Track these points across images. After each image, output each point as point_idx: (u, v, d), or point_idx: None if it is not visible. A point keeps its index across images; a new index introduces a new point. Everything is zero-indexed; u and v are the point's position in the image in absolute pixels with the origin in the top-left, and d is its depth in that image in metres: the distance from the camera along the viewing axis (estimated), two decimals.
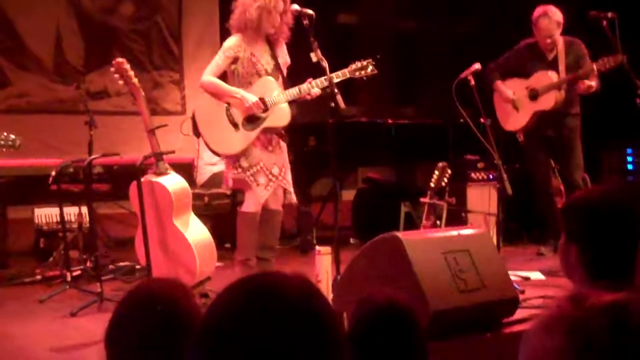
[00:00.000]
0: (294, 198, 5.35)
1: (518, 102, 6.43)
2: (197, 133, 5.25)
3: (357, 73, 5.07)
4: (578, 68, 6.25)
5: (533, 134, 6.46)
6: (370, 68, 5.10)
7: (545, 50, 6.38)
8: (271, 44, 5.17)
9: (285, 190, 5.27)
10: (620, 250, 2.08)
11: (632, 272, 2.05)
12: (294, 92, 5.09)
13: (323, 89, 5.01)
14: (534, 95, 6.35)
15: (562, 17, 6.23)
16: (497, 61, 6.54)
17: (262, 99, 5.06)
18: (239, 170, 5.11)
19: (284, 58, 5.26)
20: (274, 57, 5.18)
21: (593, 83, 6.11)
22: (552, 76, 6.29)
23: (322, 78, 4.96)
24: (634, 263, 2.05)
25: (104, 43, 8.17)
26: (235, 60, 5.08)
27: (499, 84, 6.51)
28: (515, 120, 6.48)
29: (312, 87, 5.04)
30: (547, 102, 6.30)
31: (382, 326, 2.42)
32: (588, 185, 6.41)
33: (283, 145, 5.25)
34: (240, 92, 5.05)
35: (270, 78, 5.13)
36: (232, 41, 5.12)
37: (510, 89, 6.50)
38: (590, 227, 2.13)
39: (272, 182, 5.14)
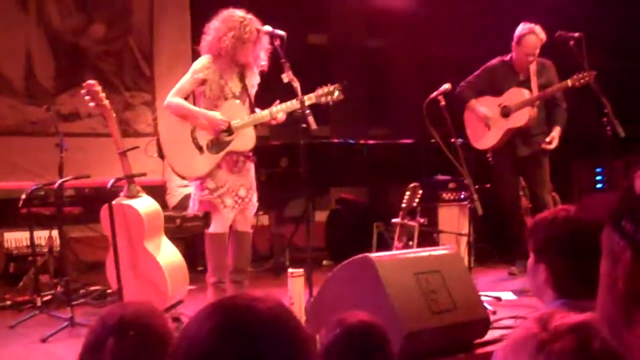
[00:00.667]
0: (257, 220, 5.33)
1: (490, 120, 6.45)
2: (162, 155, 5.22)
3: (323, 98, 5.03)
4: (548, 87, 6.32)
5: (503, 152, 6.48)
6: (336, 93, 5.06)
7: (519, 69, 6.42)
8: (242, 66, 5.16)
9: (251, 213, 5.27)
10: (588, 269, 2.10)
11: (597, 290, 2.08)
12: (259, 116, 5.09)
13: (290, 113, 5.02)
14: (506, 112, 6.36)
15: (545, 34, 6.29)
16: (469, 80, 6.56)
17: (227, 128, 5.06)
18: (206, 192, 5.07)
19: (254, 79, 5.23)
20: (243, 80, 5.16)
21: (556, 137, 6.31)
22: (524, 93, 6.33)
23: (289, 102, 4.96)
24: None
25: (75, 64, 8.14)
26: (203, 82, 5.06)
27: (473, 102, 6.52)
28: (486, 139, 6.49)
29: (279, 111, 5.04)
30: (520, 119, 6.32)
31: (354, 348, 2.42)
32: (557, 204, 6.47)
33: (250, 166, 5.21)
34: (205, 113, 5.03)
35: (237, 101, 5.10)
36: (201, 63, 5.09)
37: (482, 106, 6.51)
38: (558, 246, 2.16)
39: (237, 205, 5.11)
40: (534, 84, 6.36)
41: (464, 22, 8.35)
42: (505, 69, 6.48)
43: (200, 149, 5.07)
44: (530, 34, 6.27)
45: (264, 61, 5.14)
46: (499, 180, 6.62)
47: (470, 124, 6.56)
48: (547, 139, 6.31)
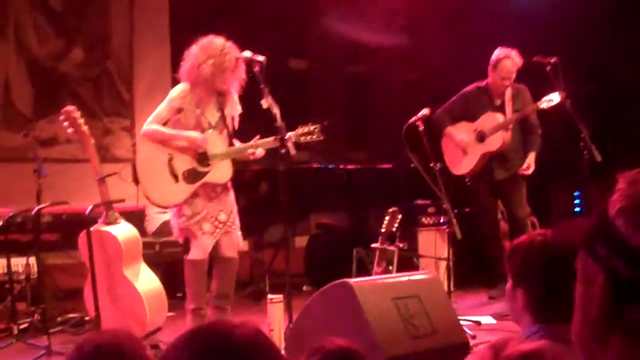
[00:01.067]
0: (240, 243, 5.31)
1: (466, 145, 6.49)
2: (136, 181, 5.19)
3: (302, 138, 5.00)
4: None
5: (480, 177, 6.52)
6: (316, 134, 5.03)
7: (495, 94, 6.48)
8: (221, 94, 5.14)
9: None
10: (565, 294, 2.11)
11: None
12: (238, 149, 5.10)
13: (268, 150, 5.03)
14: (481, 137, 6.41)
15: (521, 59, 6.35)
16: (445, 106, 6.60)
17: (204, 154, 5.05)
18: (183, 218, 5.05)
19: (234, 109, 5.22)
20: (221, 109, 5.15)
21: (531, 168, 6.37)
22: (498, 117, 6.38)
23: (269, 139, 4.94)
24: None
25: (53, 90, 8.11)
26: (179, 110, 5.04)
27: (449, 129, 6.56)
28: (464, 164, 6.53)
29: (257, 146, 5.05)
30: (495, 143, 6.38)
31: None
32: (536, 228, 6.49)
33: (229, 193, 5.19)
34: (183, 133, 5.02)
35: (214, 133, 5.09)
36: (177, 91, 5.08)
37: (458, 132, 6.55)
38: (535, 271, 2.16)
39: (218, 229, 5.08)
40: (508, 109, 6.41)
41: (443, 48, 8.41)
42: (481, 95, 6.53)
43: (175, 177, 5.04)
44: (506, 58, 6.34)
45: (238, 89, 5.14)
46: (478, 204, 6.68)
47: (448, 150, 6.61)
48: (524, 166, 6.37)
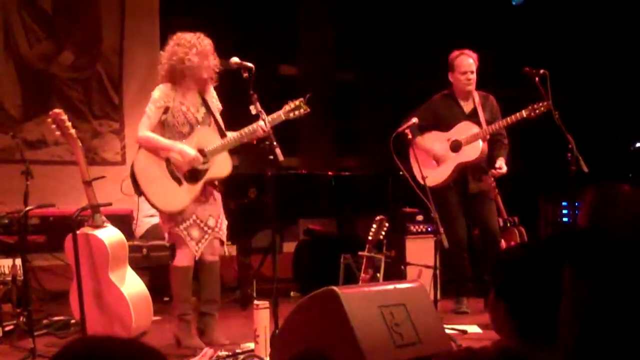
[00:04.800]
0: (226, 250, 5.32)
1: (439, 156, 6.29)
2: (138, 192, 5.12)
3: (291, 114, 4.99)
4: (493, 121, 6.23)
5: (452, 189, 6.30)
6: (302, 108, 5.03)
7: (461, 97, 6.32)
8: (202, 88, 5.13)
9: (221, 242, 5.21)
10: (547, 307, 2.11)
11: (557, 328, 2.09)
12: (233, 138, 5.05)
13: (259, 141, 4.99)
14: (456, 147, 6.24)
15: (477, 61, 6.26)
16: (411, 116, 6.20)
17: (201, 150, 5.03)
18: (172, 224, 5.04)
19: (215, 103, 5.21)
20: (205, 104, 5.13)
21: (504, 169, 6.15)
22: (473, 127, 6.21)
23: (260, 122, 4.90)
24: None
25: (42, 91, 8.10)
26: (165, 110, 5.02)
27: (419, 139, 6.29)
28: (436, 175, 6.24)
29: (251, 134, 4.98)
30: (471, 153, 6.20)
31: None
32: (524, 238, 6.51)
33: (217, 195, 5.18)
34: (177, 145, 4.99)
35: (205, 127, 5.08)
36: (160, 91, 5.05)
37: (430, 142, 6.33)
38: (516, 282, 2.17)
39: (207, 235, 5.06)
40: (481, 116, 6.25)
41: (433, 56, 8.45)
42: (448, 102, 6.38)
43: (178, 180, 5.03)
44: (461, 54, 6.26)
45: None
46: (446, 214, 6.08)
47: (418, 161, 6.04)
48: (497, 165, 6.13)
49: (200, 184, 5.03)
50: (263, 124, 4.88)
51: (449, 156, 6.27)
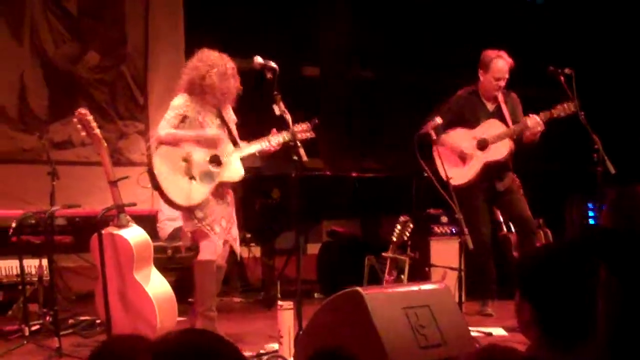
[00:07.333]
0: (237, 248, 5.41)
1: (468, 154, 6.21)
2: (155, 185, 5.20)
3: (298, 135, 5.04)
4: (515, 118, 6.17)
5: (479, 188, 6.23)
6: (309, 133, 5.23)
7: (487, 98, 6.25)
8: (217, 104, 5.27)
9: (231, 246, 5.34)
10: (572, 308, 2.10)
11: (583, 328, 2.08)
12: (248, 147, 5.24)
13: (284, 143, 5.10)
14: (483, 145, 6.17)
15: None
16: (435, 113, 6.08)
17: (215, 156, 5.17)
18: (195, 221, 5.14)
19: (230, 115, 5.37)
20: (220, 116, 5.28)
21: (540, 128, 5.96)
22: (502, 125, 6.14)
23: (272, 139, 5.17)
24: (586, 320, 2.07)
25: (68, 93, 8.16)
26: (183, 118, 5.16)
27: (444, 137, 6.20)
28: (462, 174, 6.16)
29: (264, 146, 5.21)
30: (499, 152, 6.14)
31: None
32: (549, 239, 6.45)
33: (231, 200, 5.32)
34: (201, 132, 5.14)
35: (222, 133, 5.22)
36: (179, 101, 5.20)
37: (456, 139, 6.24)
38: (542, 284, 2.16)
39: (223, 234, 5.21)
40: (506, 115, 6.18)
41: (458, 56, 8.42)
42: (473, 100, 6.29)
43: (192, 178, 5.13)
44: (498, 58, 6.14)
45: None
46: (471, 213, 5.97)
47: (443, 159, 5.95)
48: (530, 124, 5.94)
49: (212, 186, 5.15)
50: (275, 142, 5.18)
51: (476, 154, 6.19)
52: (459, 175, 6.09)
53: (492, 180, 6.24)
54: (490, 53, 6.20)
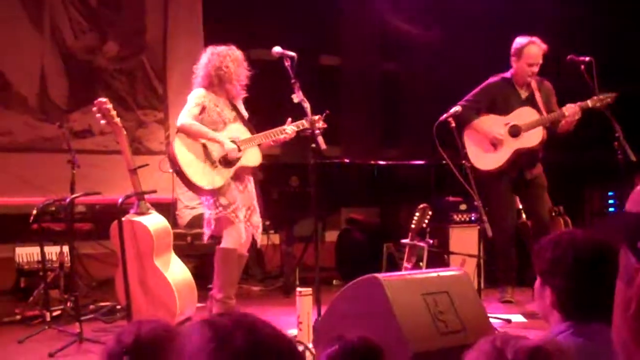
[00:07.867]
0: (258, 237, 5.49)
1: (500, 140, 6.17)
2: (177, 170, 5.24)
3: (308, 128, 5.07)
4: (548, 106, 6.16)
5: (507, 174, 6.21)
6: (320, 123, 5.24)
7: (520, 85, 6.22)
8: (230, 96, 5.43)
9: (253, 235, 5.41)
10: (593, 292, 2.10)
11: (604, 313, 2.07)
12: (264, 133, 5.38)
13: (302, 131, 5.17)
14: (515, 132, 6.13)
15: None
16: (467, 98, 6.22)
17: (232, 141, 5.31)
18: (220, 209, 5.21)
19: (242, 108, 5.52)
20: (235, 109, 5.44)
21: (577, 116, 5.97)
22: (535, 113, 6.11)
23: (295, 123, 5.33)
24: (607, 304, 2.07)
25: (88, 82, 8.19)
26: (203, 109, 5.29)
27: (475, 123, 6.21)
28: (492, 159, 6.18)
29: (280, 134, 5.36)
30: (532, 140, 6.10)
31: None
32: (569, 227, 6.41)
33: (251, 188, 5.45)
34: (219, 137, 5.27)
35: (237, 124, 5.40)
36: (198, 92, 5.35)
37: (488, 125, 6.22)
38: (562, 269, 2.15)
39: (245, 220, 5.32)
40: (539, 103, 6.15)
41: (476, 46, 8.37)
42: (507, 86, 6.26)
43: (213, 163, 5.25)
44: (531, 44, 6.09)
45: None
46: (498, 200, 6.17)
47: (473, 144, 6.17)
48: (567, 112, 5.96)
49: (233, 169, 5.28)
50: (289, 132, 5.34)
51: (508, 141, 6.16)
52: (489, 160, 6.15)
53: (522, 170, 6.23)
54: (523, 39, 6.16)
